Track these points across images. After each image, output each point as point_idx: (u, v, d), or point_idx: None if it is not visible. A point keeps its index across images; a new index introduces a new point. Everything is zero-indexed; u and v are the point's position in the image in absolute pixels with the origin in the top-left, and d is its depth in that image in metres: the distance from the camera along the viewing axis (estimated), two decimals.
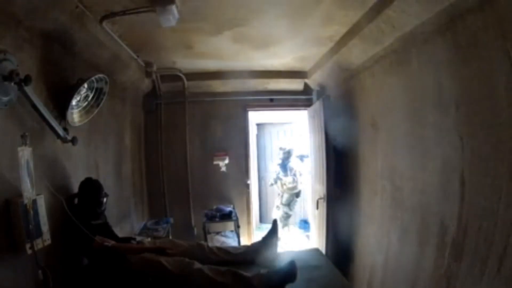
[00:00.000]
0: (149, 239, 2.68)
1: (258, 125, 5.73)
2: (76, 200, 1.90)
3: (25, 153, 1.37)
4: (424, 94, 1.78)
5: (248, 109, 4.00)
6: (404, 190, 2.02)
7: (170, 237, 3.23)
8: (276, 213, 4.67)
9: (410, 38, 1.82)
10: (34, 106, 1.48)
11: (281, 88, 3.87)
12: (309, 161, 4.06)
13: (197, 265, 1.72)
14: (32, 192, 1.40)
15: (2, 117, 1.35)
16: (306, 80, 3.76)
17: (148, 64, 3.01)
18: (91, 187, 1.92)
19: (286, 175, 4.59)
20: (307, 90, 3.88)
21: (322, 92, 3.51)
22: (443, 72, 1.60)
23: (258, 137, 5.81)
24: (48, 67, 1.70)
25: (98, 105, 2.04)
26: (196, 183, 3.88)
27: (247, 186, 4.04)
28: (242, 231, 3.64)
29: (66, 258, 1.78)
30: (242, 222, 3.73)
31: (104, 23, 1.94)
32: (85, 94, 1.96)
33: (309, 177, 3.98)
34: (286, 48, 2.82)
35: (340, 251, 2.97)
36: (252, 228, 4.14)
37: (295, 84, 3.86)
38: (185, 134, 3.85)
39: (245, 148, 4.05)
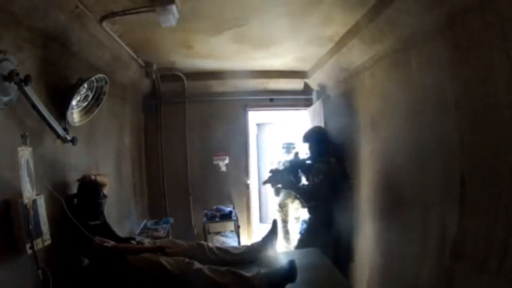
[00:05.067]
0: (149, 239, 2.68)
1: (258, 125, 5.73)
2: (75, 201, 1.90)
3: (25, 153, 1.37)
4: (424, 94, 1.78)
5: (248, 109, 4.01)
6: (404, 190, 2.02)
7: (170, 237, 3.22)
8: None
9: (410, 38, 1.82)
10: (34, 106, 1.48)
11: (281, 88, 3.87)
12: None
13: (197, 265, 1.72)
14: (32, 192, 1.40)
15: (2, 117, 1.35)
16: (306, 80, 3.76)
17: (148, 64, 3.01)
18: (89, 189, 1.92)
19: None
20: (307, 90, 3.88)
21: (322, 92, 3.51)
22: (443, 72, 1.60)
23: (258, 137, 5.81)
24: (48, 67, 1.70)
25: (98, 105, 2.04)
26: (196, 183, 3.88)
27: (247, 186, 4.04)
28: (242, 231, 3.64)
29: (66, 258, 1.78)
30: (242, 222, 3.73)
31: (104, 23, 1.94)
32: (85, 94, 1.96)
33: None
34: (286, 48, 2.82)
35: (340, 251, 2.97)
36: (252, 228, 4.14)
37: (295, 84, 3.86)
38: (185, 134, 3.85)
39: (245, 148, 4.05)
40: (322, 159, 2.40)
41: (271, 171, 2.55)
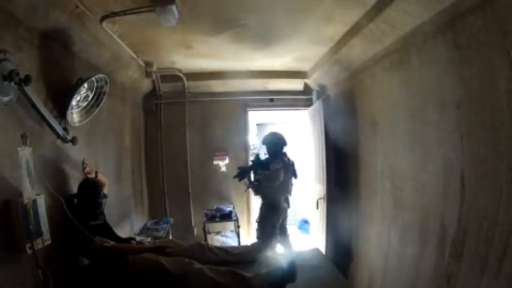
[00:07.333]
0: (149, 239, 2.69)
1: (258, 125, 5.73)
2: (75, 201, 1.90)
3: (25, 153, 1.37)
4: (424, 94, 1.78)
5: (248, 109, 4.01)
6: (404, 190, 2.02)
7: (170, 237, 3.23)
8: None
9: (411, 38, 1.82)
10: (34, 106, 1.48)
11: (281, 88, 3.87)
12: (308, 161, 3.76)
13: (197, 265, 1.72)
14: (32, 192, 1.40)
15: (2, 117, 1.35)
16: (306, 80, 3.76)
17: (148, 64, 3.01)
18: (89, 189, 1.92)
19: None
20: (307, 90, 3.88)
21: (322, 92, 3.51)
22: (443, 72, 1.60)
23: (258, 137, 5.80)
24: (48, 67, 1.70)
25: (98, 105, 2.04)
26: (196, 183, 3.88)
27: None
28: (242, 231, 3.64)
29: (66, 258, 1.78)
30: (242, 222, 3.73)
31: (104, 23, 1.94)
32: (85, 94, 1.96)
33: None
34: (286, 48, 2.82)
35: (340, 251, 2.97)
36: (252, 228, 4.14)
37: (295, 84, 3.86)
38: (185, 134, 3.85)
39: (245, 148, 4.05)
40: (278, 159, 2.85)
41: (239, 168, 2.97)
